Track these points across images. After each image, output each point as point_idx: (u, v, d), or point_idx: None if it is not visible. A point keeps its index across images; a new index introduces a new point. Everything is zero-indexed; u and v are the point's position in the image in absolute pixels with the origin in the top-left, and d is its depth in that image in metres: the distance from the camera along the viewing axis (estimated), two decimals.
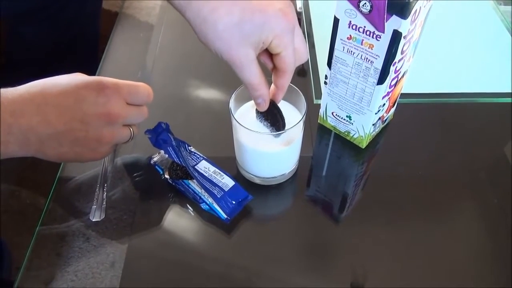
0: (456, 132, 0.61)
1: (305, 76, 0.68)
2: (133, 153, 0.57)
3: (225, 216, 0.49)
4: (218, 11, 0.39)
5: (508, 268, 0.47)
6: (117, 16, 0.78)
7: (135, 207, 0.51)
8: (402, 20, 0.41)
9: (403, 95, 0.58)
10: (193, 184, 0.51)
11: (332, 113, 0.56)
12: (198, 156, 0.53)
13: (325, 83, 0.54)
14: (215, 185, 0.50)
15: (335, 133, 0.59)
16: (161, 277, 0.46)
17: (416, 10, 0.42)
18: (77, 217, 0.50)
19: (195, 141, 0.54)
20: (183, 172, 0.52)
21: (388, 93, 0.51)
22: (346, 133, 0.57)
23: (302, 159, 0.55)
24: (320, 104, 0.58)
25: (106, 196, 0.52)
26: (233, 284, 0.46)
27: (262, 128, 0.49)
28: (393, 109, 0.59)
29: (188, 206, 0.52)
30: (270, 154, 0.49)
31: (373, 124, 0.53)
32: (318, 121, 0.60)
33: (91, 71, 0.48)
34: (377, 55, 0.46)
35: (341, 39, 0.48)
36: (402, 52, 0.46)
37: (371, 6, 0.42)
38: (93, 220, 0.50)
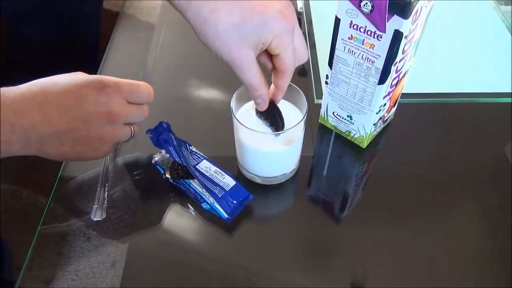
0: (457, 132, 0.61)
1: (306, 75, 0.68)
2: (134, 152, 0.57)
3: (226, 216, 0.49)
4: (218, 11, 0.39)
5: (508, 268, 0.47)
6: (118, 16, 0.78)
7: (136, 206, 0.51)
8: (403, 20, 0.41)
9: (404, 95, 0.58)
10: (194, 184, 0.52)
11: (333, 112, 0.56)
12: (199, 156, 0.53)
13: (326, 83, 0.54)
14: (216, 184, 0.50)
15: (336, 133, 0.59)
16: (162, 276, 0.46)
17: (417, 10, 0.42)
18: (78, 217, 0.50)
19: (196, 141, 0.54)
20: (184, 171, 0.52)
21: (389, 93, 0.51)
22: (347, 133, 0.57)
23: (303, 158, 0.55)
24: (321, 104, 0.58)
25: (107, 195, 0.52)
26: (234, 283, 0.46)
27: (263, 127, 0.49)
28: (394, 109, 0.59)
29: (189, 205, 0.52)
30: (271, 153, 0.49)
31: (374, 124, 0.53)
32: (319, 121, 0.60)
33: (92, 71, 0.48)
34: (378, 55, 0.46)
35: (342, 39, 0.48)
36: (403, 52, 0.46)
37: (372, 6, 0.42)
38: (94, 219, 0.50)
